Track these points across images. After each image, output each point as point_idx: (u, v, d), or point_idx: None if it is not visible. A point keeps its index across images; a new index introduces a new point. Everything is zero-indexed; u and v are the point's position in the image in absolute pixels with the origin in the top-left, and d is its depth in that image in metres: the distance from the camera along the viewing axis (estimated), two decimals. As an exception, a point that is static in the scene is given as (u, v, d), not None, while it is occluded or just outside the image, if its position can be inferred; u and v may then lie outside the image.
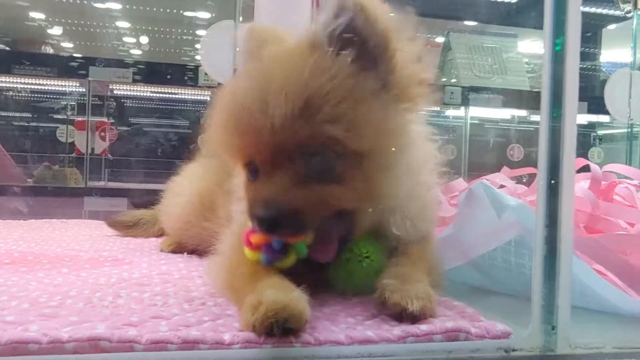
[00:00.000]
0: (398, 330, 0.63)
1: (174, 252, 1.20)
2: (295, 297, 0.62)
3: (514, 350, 0.65)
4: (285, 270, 0.73)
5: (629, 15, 2.81)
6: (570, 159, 0.64)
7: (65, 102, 4.01)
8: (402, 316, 0.66)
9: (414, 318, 0.65)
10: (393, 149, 0.75)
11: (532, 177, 1.50)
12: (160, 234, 1.41)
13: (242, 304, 0.66)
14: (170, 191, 1.27)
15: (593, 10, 4.21)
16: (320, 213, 0.70)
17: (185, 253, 1.17)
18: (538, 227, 0.65)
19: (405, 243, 0.82)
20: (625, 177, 1.22)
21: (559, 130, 0.64)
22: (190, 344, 0.59)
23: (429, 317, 0.67)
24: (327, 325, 0.66)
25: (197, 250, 1.16)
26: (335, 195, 0.70)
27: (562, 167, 0.64)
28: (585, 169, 1.23)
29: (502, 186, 1.20)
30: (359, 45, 0.70)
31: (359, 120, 0.68)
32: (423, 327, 0.64)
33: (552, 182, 0.62)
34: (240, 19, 2.01)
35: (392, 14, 0.72)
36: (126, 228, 1.44)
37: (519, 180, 1.37)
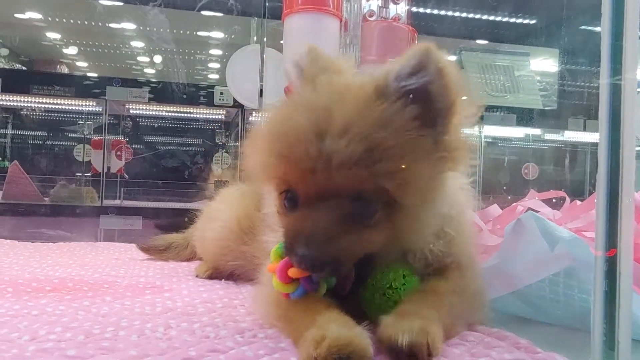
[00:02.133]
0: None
1: (210, 277, 1.20)
2: (358, 333, 0.62)
3: (574, 384, 0.64)
4: None
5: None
6: (629, 194, 0.64)
7: (82, 122, 4.06)
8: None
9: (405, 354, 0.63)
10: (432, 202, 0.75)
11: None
12: (191, 257, 1.42)
13: (297, 337, 0.66)
14: (205, 216, 1.27)
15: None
16: (355, 256, 0.71)
17: (222, 280, 1.17)
18: (598, 262, 0.64)
19: (437, 267, 0.81)
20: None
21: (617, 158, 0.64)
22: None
23: (426, 353, 0.63)
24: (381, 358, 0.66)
25: (234, 275, 1.17)
26: (370, 240, 0.71)
27: (621, 200, 0.64)
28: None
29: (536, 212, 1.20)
30: (426, 103, 0.70)
31: (410, 176, 0.69)
32: (483, 362, 0.63)
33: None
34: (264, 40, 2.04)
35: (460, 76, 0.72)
36: (158, 252, 1.45)
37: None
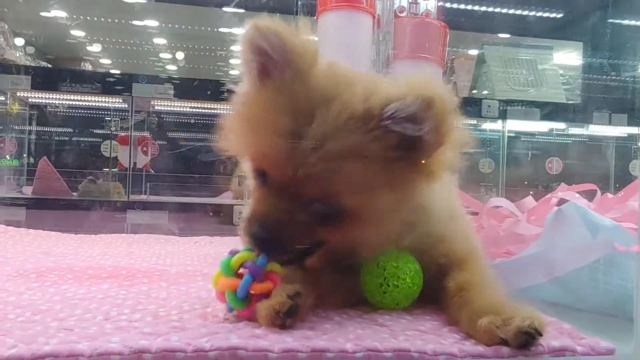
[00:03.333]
0: (507, 349, 0.67)
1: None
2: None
3: (619, 366, 0.68)
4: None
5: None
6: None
7: (109, 118, 4.14)
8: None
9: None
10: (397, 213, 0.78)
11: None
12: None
13: None
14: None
15: (633, 22, 4.19)
16: (302, 248, 0.78)
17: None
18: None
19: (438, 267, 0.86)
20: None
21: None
22: (318, 353, 0.64)
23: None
24: (436, 338, 0.70)
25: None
26: (323, 238, 0.78)
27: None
28: None
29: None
30: (413, 136, 0.72)
31: (372, 196, 0.74)
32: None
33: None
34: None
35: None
36: None
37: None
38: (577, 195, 1.19)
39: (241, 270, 0.76)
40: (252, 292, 0.74)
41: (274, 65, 0.78)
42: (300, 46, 0.78)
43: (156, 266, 1.22)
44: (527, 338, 0.66)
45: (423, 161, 0.75)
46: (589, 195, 1.40)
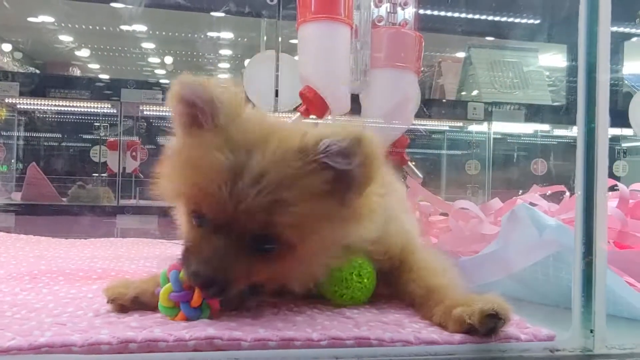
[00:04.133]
0: (458, 336, 0.75)
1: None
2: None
3: (557, 350, 0.75)
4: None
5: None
6: (602, 182, 0.75)
7: (98, 124, 4.19)
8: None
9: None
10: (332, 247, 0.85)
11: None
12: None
13: None
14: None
15: (614, 28, 4.28)
16: (243, 283, 0.80)
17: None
18: (577, 244, 0.76)
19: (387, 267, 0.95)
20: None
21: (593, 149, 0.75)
22: (286, 341, 0.71)
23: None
24: (396, 328, 0.77)
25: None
26: (263, 271, 0.81)
27: (596, 190, 0.75)
28: (613, 188, 1.33)
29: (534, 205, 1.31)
30: (344, 174, 0.77)
31: (309, 229, 0.78)
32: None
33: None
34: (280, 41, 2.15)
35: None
36: None
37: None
38: (537, 195, 1.27)
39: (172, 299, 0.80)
40: (198, 304, 0.79)
41: (204, 115, 0.80)
42: (226, 96, 0.81)
43: (143, 268, 1.29)
44: (493, 321, 0.72)
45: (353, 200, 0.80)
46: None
